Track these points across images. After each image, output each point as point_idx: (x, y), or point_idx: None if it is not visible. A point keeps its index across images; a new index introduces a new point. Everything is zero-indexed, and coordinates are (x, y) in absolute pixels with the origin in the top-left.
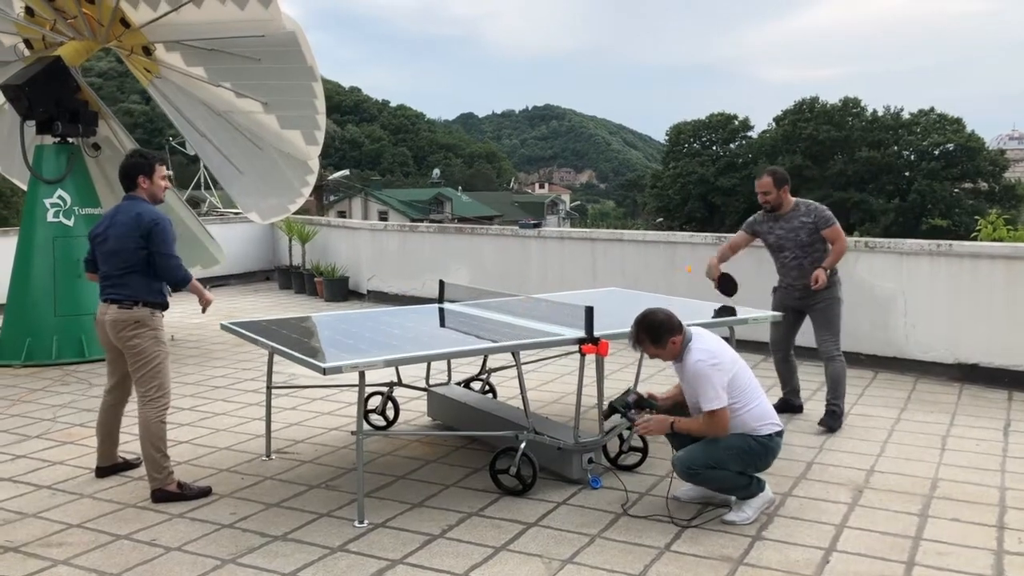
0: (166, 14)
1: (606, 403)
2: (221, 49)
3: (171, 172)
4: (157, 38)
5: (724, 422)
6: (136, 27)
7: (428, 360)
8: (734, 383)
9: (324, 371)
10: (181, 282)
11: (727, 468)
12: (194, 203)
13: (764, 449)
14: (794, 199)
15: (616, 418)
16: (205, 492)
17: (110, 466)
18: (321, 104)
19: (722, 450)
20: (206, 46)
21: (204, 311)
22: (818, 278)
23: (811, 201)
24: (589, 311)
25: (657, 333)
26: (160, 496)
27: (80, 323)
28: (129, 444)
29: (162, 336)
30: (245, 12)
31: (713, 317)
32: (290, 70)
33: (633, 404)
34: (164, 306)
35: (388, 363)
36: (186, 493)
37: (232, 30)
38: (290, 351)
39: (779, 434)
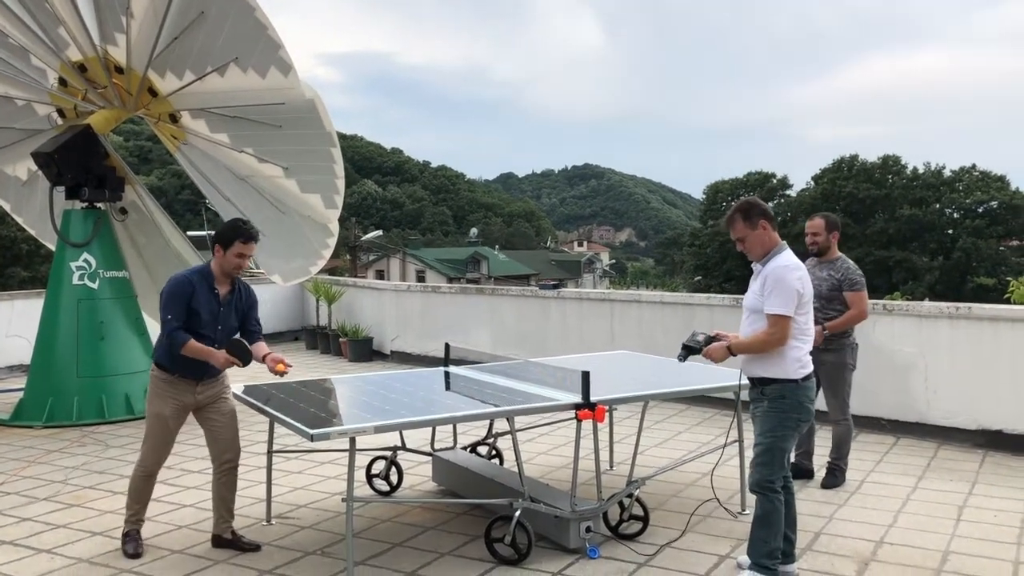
0: (191, 83)
1: (680, 348)
2: (244, 116)
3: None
4: (183, 106)
5: (785, 331)
6: (163, 96)
7: (419, 426)
8: (799, 314)
9: (312, 437)
10: (173, 346)
11: (787, 444)
12: None
13: (798, 397)
14: (839, 253)
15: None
16: (137, 555)
17: (221, 538)
18: (340, 169)
19: (770, 436)
20: (229, 113)
21: (244, 365)
22: (816, 336)
23: (851, 261)
24: (585, 376)
25: (751, 210)
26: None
27: (101, 384)
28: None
29: (164, 398)
30: (266, 81)
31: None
32: (310, 136)
33: (704, 342)
34: (170, 369)
35: (379, 429)
36: (127, 545)
37: (254, 98)
38: (283, 416)
39: (810, 376)
